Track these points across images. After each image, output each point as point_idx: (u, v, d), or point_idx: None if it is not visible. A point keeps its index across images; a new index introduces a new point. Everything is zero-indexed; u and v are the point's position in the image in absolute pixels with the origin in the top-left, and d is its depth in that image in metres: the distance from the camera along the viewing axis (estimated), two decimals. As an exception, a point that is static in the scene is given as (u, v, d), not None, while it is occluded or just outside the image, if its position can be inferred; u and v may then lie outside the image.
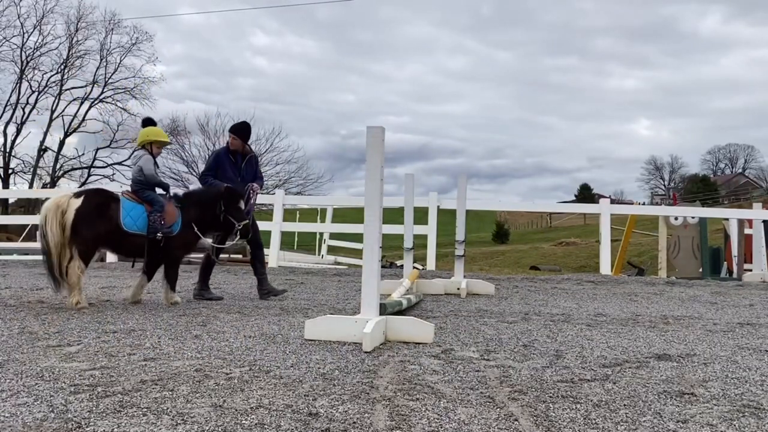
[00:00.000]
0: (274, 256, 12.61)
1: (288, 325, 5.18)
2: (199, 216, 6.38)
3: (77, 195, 6.07)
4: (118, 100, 40.85)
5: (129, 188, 6.55)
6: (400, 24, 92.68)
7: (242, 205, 6.58)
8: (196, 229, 6.32)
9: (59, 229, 5.82)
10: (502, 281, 9.84)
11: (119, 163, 41.73)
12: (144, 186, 6.30)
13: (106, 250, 6.56)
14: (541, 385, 3.42)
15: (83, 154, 41.59)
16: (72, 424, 2.60)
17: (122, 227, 6.00)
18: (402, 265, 9.69)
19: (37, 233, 6.22)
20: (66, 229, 5.83)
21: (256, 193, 7.23)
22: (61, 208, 5.86)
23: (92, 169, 41.71)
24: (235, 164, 7.17)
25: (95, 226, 5.92)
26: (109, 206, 6.06)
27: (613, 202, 23.55)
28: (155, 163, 6.47)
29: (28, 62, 38.55)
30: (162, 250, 6.23)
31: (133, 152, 6.63)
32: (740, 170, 75.68)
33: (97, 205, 5.99)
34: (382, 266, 5.90)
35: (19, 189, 39.48)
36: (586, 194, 68.42)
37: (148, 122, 6.75)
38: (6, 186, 38.32)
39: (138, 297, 6.39)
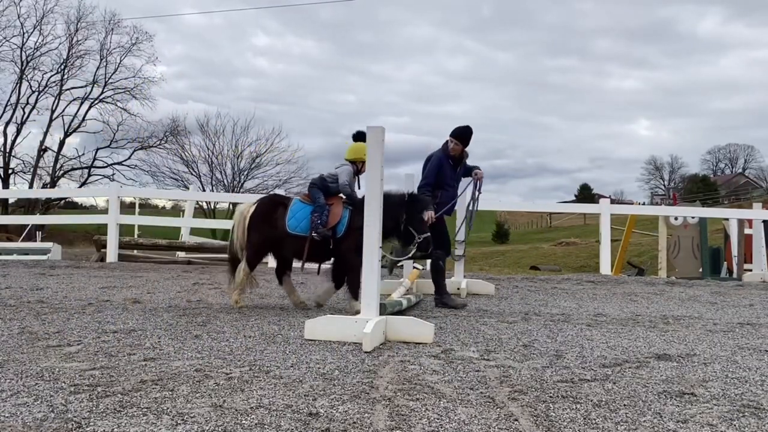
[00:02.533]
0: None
1: (288, 325, 5.18)
2: (383, 221, 6.16)
3: (255, 202, 6.37)
4: (118, 100, 40.84)
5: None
6: (400, 25, 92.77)
7: (425, 216, 6.22)
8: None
9: (241, 233, 6.20)
10: (502, 281, 9.84)
11: (119, 163, 41.75)
12: (315, 185, 6.23)
13: (273, 253, 6.52)
14: (541, 385, 3.42)
15: (83, 154, 41.62)
16: (72, 424, 2.60)
17: (286, 229, 6.05)
18: (402, 265, 9.69)
19: (230, 233, 6.50)
20: (245, 234, 6.18)
21: (481, 181, 7.13)
22: (243, 214, 6.25)
23: (92, 169, 41.72)
24: (453, 169, 7.01)
25: (261, 231, 6.09)
26: (276, 211, 6.15)
27: (613, 202, 23.56)
28: (357, 179, 6.35)
29: (28, 62, 38.55)
30: (334, 254, 6.14)
31: (342, 165, 6.43)
32: (740, 170, 75.70)
33: (267, 211, 6.16)
34: (382, 266, 5.89)
35: (19, 189, 39.51)
36: (586, 194, 68.42)
37: (360, 136, 6.37)
38: (6, 186, 38.32)
39: (324, 300, 6.37)
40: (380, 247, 6.04)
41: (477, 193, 7.17)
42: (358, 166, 6.35)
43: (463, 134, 7.03)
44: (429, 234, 6.20)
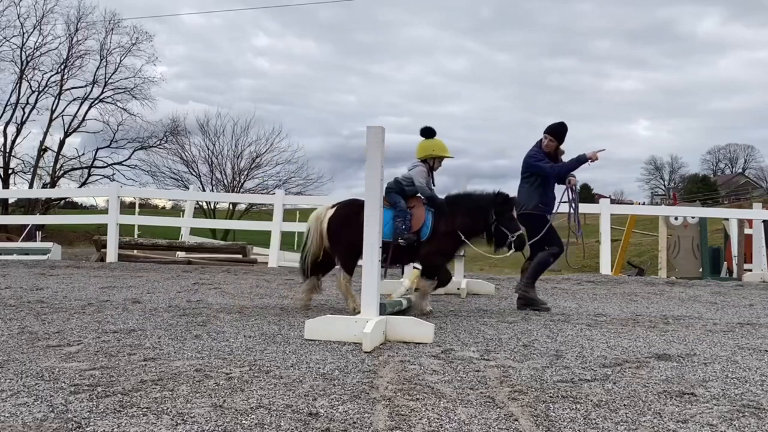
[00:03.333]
0: (274, 256, 12.61)
1: (288, 325, 5.18)
2: (466, 223, 6.04)
3: (333, 206, 6.26)
4: (118, 100, 40.86)
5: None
6: (400, 26, 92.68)
7: (515, 213, 6.19)
8: (462, 236, 6.01)
9: (317, 236, 6.11)
10: (502, 281, 9.85)
11: (119, 163, 41.78)
12: (392, 189, 6.13)
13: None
14: (541, 385, 3.42)
15: (83, 154, 41.64)
16: (72, 424, 2.60)
17: None
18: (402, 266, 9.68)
19: (304, 235, 6.36)
20: (323, 238, 6.07)
21: (577, 188, 6.97)
22: (320, 218, 6.15)
23: (92, 169, 41.73)
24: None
25: (345, 235, 5.94)
26: (358, 215, 5.86)
27: (613, 202, 23.55)
28: (432, 177, 6.27)
29: (28, 62, 38.57)
30: (417, 257, 6.08)
31: (414, 166, 6.30)
32: (740, 170, 75.70)
33: (347, 215, 6.02)
34: (382, 266, 5.88)
35: (19, 189, 39.52)
36: (585, 194, 68.35)
37: (428, 132, 6.35)
38: (6, 186, 38.33)
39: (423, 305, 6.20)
40: (471, 246, 6.09)
41: (573, 200, 6.96)
42: (431, 164, 6.26)
43: (557, 130, 6.88)
44: (522, 231, 6.16)
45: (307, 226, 6.28)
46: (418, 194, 6.20)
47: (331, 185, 49.26)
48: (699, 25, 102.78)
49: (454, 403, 3.03)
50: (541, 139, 6.94)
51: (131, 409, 2.81)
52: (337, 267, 6.19)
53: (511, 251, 6.22)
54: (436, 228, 6.00)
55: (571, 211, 7.10)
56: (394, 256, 6.00)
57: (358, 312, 5.76)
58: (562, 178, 6.84)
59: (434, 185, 6.34)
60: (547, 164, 6.76)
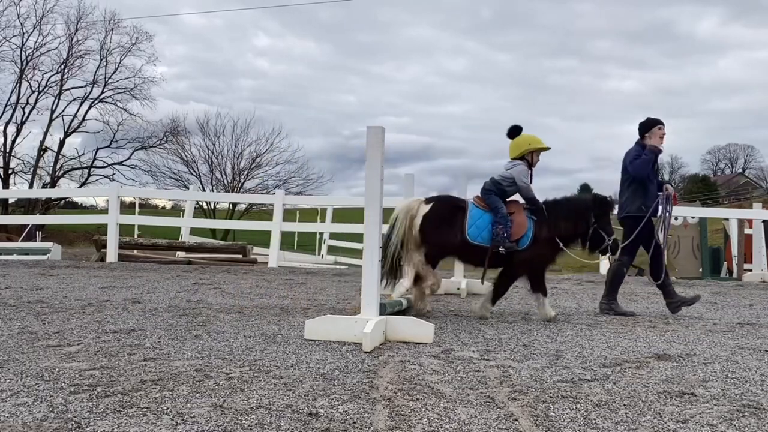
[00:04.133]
0: (274, 256, 12.61)
1: (288, 325, 5.18)
2: (567, 229, 5.89)
3: (427, 201, 5.98)
4: (118, 100, 40.85)
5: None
6: (400, 26, 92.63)
7: (667, 192, 6.10)
8: (560, 243, 5.85)
9: (407, 233, 5.83)
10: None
11: (119, 163, 41.77)
12: (490, 191, 5.92)
13: (453, 258, 6.22)
14: (541, 385, 3.42)
15: (83, 154, 41.64)
16: (72, 424, 2.60)
17: (467, 237, 5.74)
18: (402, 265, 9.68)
19: (386, 231, 5.99)
20: (413, 233, 5.81)
21: (671, 198, 6.70)
22: (411, 212, 5.87)
23: (92, 169, 41.72)
24: (653, 164, 6.61)
25: (440, 234, 5.78)
26: (455, 215, 5.83)
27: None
28: (531, 175, 6.04)
29: (28, 62, 38.56)
30: (513, 264, 5.84)
31: (513, 165, 6.04)
32: (740, 170, 75.70)
33: (444, 213, 5.83)
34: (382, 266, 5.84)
35: (19, 189, 39.51)
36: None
37: (516, 130, 6.13)
38: (6, 186, 38.31)
39: (551, 315, 5.92)
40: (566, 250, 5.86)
41: (667, 211, 6.76)
42: (529, 160, 6.05)
43: (656, 121, 6.62)
44: (615, 236, 6.01)
45: (392, 219, 5.97)
46: (521, 195, 5.96)
47: (331, 185, 49.33)
48: (698, 25, 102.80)
49: (454, 403, 3.03)
50: (642, 138, 6.67)
51: (131, 409, 2.81)
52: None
53: (607, 255, 6.10)
54: (536, 236, 5.79)
55: (663, 220, 6.84)
56: (491, 262, 5.78)
57: (423, 314, 5.67)
58: (643, 174, 6.50)
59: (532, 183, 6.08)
60: (633, 163, 6.52)
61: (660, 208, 6.66)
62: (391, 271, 5.92)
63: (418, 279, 5.91)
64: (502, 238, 5.70)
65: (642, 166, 6.48)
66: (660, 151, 6.65)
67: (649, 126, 6.66)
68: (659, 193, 6.64)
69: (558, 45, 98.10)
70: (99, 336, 4.51)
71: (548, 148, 6.17)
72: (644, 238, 6.55)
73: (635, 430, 2.73)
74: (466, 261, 6.13)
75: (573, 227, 5.90)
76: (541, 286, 5.87)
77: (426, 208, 5.86)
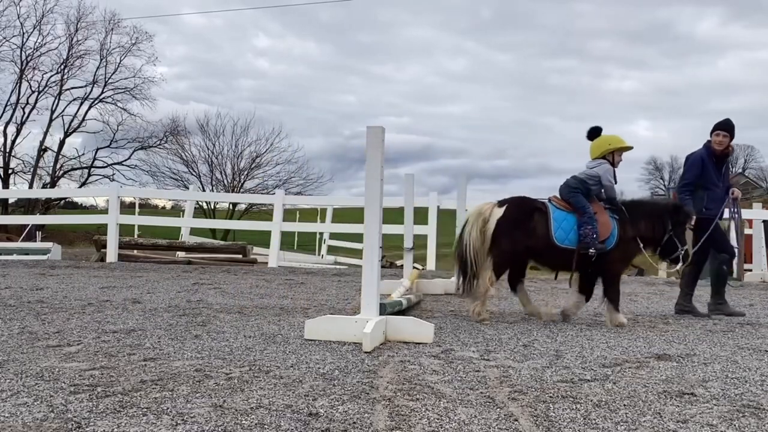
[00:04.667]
0: (274, 256, 12.61)
1: (288, 325, 5.18)
2: (646, 230, 5.78)
3: (500, 204, 5.81)
4: (118, 100, 40.83)
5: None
6: (400, 26, 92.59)
7: (689, 219, 5.95)
8: (641, 244, 5.77)
9: (479, 237, 5.66)
10: (502, 281, 9.83)
11: (119, 163, 41.75)
12: (576, 190, 5.77)
13: (532, 262, 5.95)
14: (541, 385, 3.42)
15: (83, 154, 41.62)
16: (72, 424, 2.60)
17: (553, 241, 5.59)
18: (402, 265, 9.69)
19: (457, 237, 5.88)
20: (486, 239, 5.66)
21: (738, 201, 6.59)
22: (483, 216, 5.70)
23: (92, 169, 41.72)
24: (717, 168, 6.56)
25: (516, 238, 5.62)
26: (532, 217, 5.68)
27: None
28: (615, 174, 5.93)
29: (28, 62, 38.53)
30: (596, 266, 5.73)
31: (599, 163, 5.93)
32: (740, 170, 75.65)
33: (521, 216, 5.67)
34: (382, 266, 5.80)
35: (19, 189, 39.50)
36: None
37: (596, 132, 6.05)
38: (6, 186, 38.30)
39: (573, 313, 5.94)
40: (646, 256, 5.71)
41: (735, 214, 6.70)
42: (610, 160, 5.93)
43: (729, 125, 6.58)
44: (688, 247, 5.92)
45: (462, 225, 5.84)
46: (605, 195, 5.86)
47: (331, 185, 49.28)
48: (698, 25, 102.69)
49: (454, 403, 3.03)
50: (708, 141, 6.63)
51: (131, 409, 2.81)
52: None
53: (679, 264, 5.96)
54: (621, 237, 5.69)
55: (733, 223, 6.80)
56: (570, 263, 5.67)
57: (482, 319, 5.57)
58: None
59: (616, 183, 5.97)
60: (684, 181, 6.57)
61: (727, 210, 6.61)
62: (467, 277, 5.72)
63: (518, 282, 5.90)
64: (591, 239, 5.56)
65: (688, 171, 6.56)
66: (722, 153, 6.59)
67: (712, 130, 6.68)
68: (726, 196, 6.58)
69: (558, 45, 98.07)
70: (99, 336, 4.51)
71: (630, 148, 6.08)
72: (718, 237, 6.48)
73: (635, 430, 2.73)
74: (548, 265, 5.94)
75: (651, 230, 5.80)
76: (612, 288, 5.76)
77: (499, 211, 5.70)
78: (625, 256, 5.85)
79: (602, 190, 5.88)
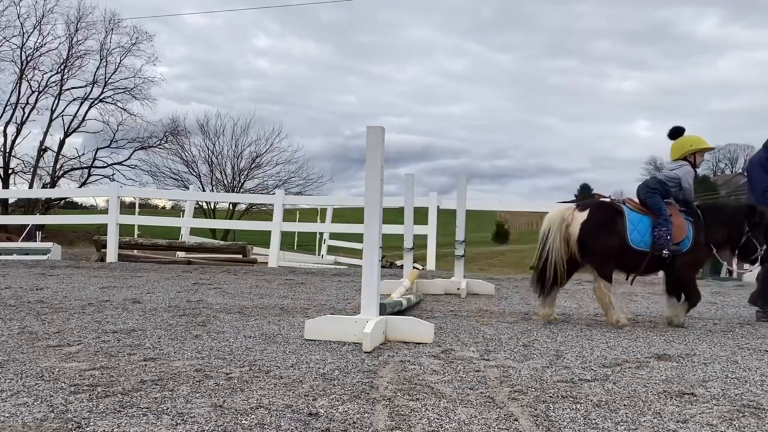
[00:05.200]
0: (274, 256, 12.61)
1: (288, 325, 5.18)
2: (721, 233, 5.73)
3: (582, 208, 5.80)
4: (118, 100, 40.81)
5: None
6: (400, 26, 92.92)
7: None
8: (714, 248, 5.72)
9: (562, 243, 5.62)
10: (502, 281, 9.84)
11: (119, 163, 41.73)
12: (655, 191, 5.73)
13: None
14: (541, 385, 3.42)
15: (83, 154, 41.60)
16: (72, 424, 2.60)
17: (629, 243, 5.55)
18: (402, 265, 9.69)
19: (539, 243, 5.79)
20: (570, 244, 5.62)
21: None
22: (565, 221, 5.66)
23: (92, 169, 41.71)
24: None
25: (602, 241, 5.58)
26: (614, 219, 5.65)
27: (613, 202, 23.53)
28: (696, 176, 5.87)
29: (28, 62, 38.49)
30: (669, 269, 5.69)
31: (679, 165, 5.83)
32: (740, 170, 75.63)
33: (603, 219, 5.64)
34: (382, 266, 5.78)
35: (19, 189, 39.49)
36: (585, 194, 68.46)
37: (678, 132, 5.93)
38: (6, 186, 38.28)
39: (677, 316, 5.78)
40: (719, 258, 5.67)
41: None
42: (691, 162, 5.85)
43: None
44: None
45: (544, 230, 5.75)
46: (683, 198, 5.80)
47: (331, 185, 49.31)
48: (698, 26, 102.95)
49: (454, 403, 3.03)
50: (766, 141, 6.53)
51: (131, 409, 2.81)
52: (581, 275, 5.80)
53: (756, 265, 5.93)
54: (696, 239, 5.63)
55: None
56: (646, 267, 5.65)
57: (624, 324, 5.48)
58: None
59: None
60: (766, 185, 6.38)
61: None
62: (547, 284, 5.69)
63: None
64: (665, 241, 5.52)
65: (761, 176, 6.40)
66: None
67: None
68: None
69: (558, 45, 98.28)
70: (99, 336, 4.51)
71: (712, 148, 6.03)
72: None
73: (635, 430, 2.73)
74: (622, 267, 5.85)
75: (727, 233, 5.76)
76: (690, 291, 5.71)
77: (582, 215, 5.66)
78: (699, 260, 5.81)
79: (680, 192, 5.82)
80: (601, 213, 5.69)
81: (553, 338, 4.89)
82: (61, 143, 40.67)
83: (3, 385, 3.15)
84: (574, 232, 5.61)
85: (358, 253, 19.52)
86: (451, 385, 3.36)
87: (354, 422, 2.71)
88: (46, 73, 39.13)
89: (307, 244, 26.79)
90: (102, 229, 16.63)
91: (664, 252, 5.51)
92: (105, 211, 14.56)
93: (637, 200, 5.83)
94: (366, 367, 3.72)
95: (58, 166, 40.59)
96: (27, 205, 36.59)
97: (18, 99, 38.63)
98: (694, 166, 5.88)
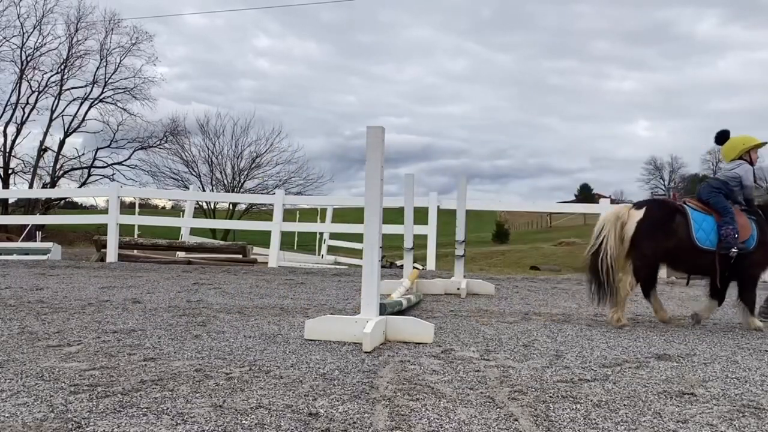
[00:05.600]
0: (274, 256, 12.61)
1: (288, 325, 5.18)
2: None
3: (638, 206, 5.72)
4: (118, 100, 40.81)
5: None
6: (400, 27, 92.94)
7: None
8: None
9: (617, 242, 5.53)
10: (502, 281, 9.84)
11: (119, 163, 41.72)
12: (718, 190, 5.68)
13: (668, 266, 5.81)
14: (541, 385, 3.42)
15: (83, 154, 41.60)
16: (72, 424, 2.60)
17: (695, 242, 5.46)
18: (402, 265, 9.69)
19: (592, 243, 5.68)
20: (625, 242, 5.53)
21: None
22: (621, 219, 5.58)
23: (92, 169, 41.71)
24: None
25: (658, 240, 5.50)
26: (674, 219, 5.55)
27: (613, 202, 23.57)
28: (754, 173, 5.82)
29: (28, 62, 38.48)
30: (733, 268, 5.61)
31: (738, 164, 5.75)
32: (740, 170, 75.66)
33: (661, 218, 5.55)
34: (382, 266, 5.77)
35: (19, 189, 39.49)
36: (586, 194, 68.55)
37: (724, 135, 5.93)
38: (6, 186, 38.27)
39: (705, 318, 5.81)
40: None
41: None
42: (748, 160, 5.81)
43: None
44: None
45: (597, 229, 5.68)
46: (744, 197, 5.74)
47: (332, 185, 49.33)
48: (698, 26, 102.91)
49: (454, 403, 3.03)
50: None
51: (131, 409, 2.81)
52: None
53: None
54: (761, 238, 5.57)
55: None
56: (708, 266, 5.55)
57: (622, 325, 5.46)
58: None
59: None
60: None
61: None
62: (602, 284, 5.60)
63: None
64: (733, 239, 5.45)
65: None
66: None
67: None
68: None
69: (558, 45, 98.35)
70: (99, 336, 4.51)
71: (765, 143, 5.99)
72: None
73: (635, 430, 2.73)
74: (684, 268, 5.83)
75: None
76: (749, 292, 5.66)
77: (638, 213, 5.59)
78: (765, 259, 5.73)
79: (742, 191, 5.78)
80: (657, 212, 5.61)
81: (553, 338, 4.89)
82: (61, 143, 40.68)
83: (3, 385, 3.15)
84: (629, 230, 5.53)
85: (358, 253, 19.52)
86: (451, 385, 3.36)
87: (354, 422, 2.71)
88: (46, 73, 39.14)
89: (307, 244, 26.79)
90: (102, 229, 16.62)
91: (732, 250, 5.44)
92: (105, 211, 14.56)
93: (696, 201, 5.77)
94: (366, 367, 3.72)
95: (58, 166, 40.59)
96: (27, 205, 36.59)
97: (18, 99, 38.63)
98: (752, 163, 5.85)
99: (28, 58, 38.50)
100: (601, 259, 5.55)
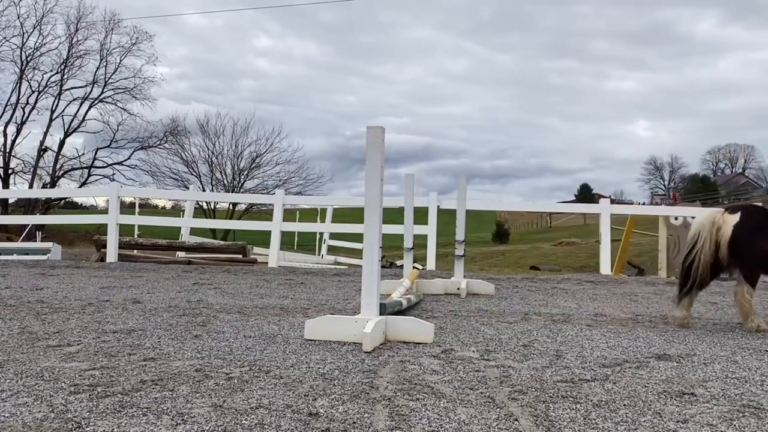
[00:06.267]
0: (274, 256, 12.61)
1: (288, 325, 5.18)
2: None
3: (732, 210, 5.61)
4: (118, 100, 40.83)
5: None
6: (400, 27, 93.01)
7: None
8: None
9: (712, 247, 5.44)
10: (502, 281, 9.84)
11: (119, 163, 41.75)
12: None
13: (765, 272, 5.59)
14: (541, 385, 3.42)
15: (83, 154, 41.63)
16: (72, 424, 2.60)
17: None
18: (402, 265, 9.69)
19: (689, 248, 5.59)
20: (721, 247, 5.42)
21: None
22: (716, 224, 5.47)
23: (92, 169, 41.72)
24: None
25: (756, 244, 5.35)
26: None
27: (613, 202, 23.57)
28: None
29: (28, 62, 38.52)
30: None
31: None
32: (740, 170, 75.71)
33: (759, 222, 5.42)
34: (382, 266, 5.77)
35: (19, 189, 39.50)
36: (586, 194, 68.55)
37: None
38: (6, 186, 38.29)
39: None
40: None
41: None
42: None
43: None
44: None
45: (693, 234, 5.60)
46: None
47: (332, 185, 49.33)
48: (697, 26, 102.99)
49: (454, 403, 3.03)
50: None
51: (131, 409, 2.81)
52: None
53: None
54: None
55: None
56: None
57: (765, 330, 5.33)
58: None
59: None
60: None
61: None
62: (689, 287, 5.56)
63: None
64: None
65: None
66: None
67: None
68: None
69: (558, 46, 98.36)
70: (99, 336, 4.51)
71: None
72: None
73: (635, 430, 2.73)
74: None
75: None
76: None
77: (734, 217, 5.47)
78: None
79: None
80: (755, 216, 5.51)
81: (553, 338, 4.89)
82: (61, 143, 40.71)
83: (3, 385, 3.15)
84: (725, 234, 5.42)
85: (358, 253, 19.52)
86: (451, 385, 3.36)
87: (354, 422, 2.71)
88: (46, 73, 39.19)
89: (307, 244, 26.79)
90: (102, 229, 16.63)
91: None
92: (105, 211, 14.56)
93: None
94: (366, 367, 3.72)
95: (58, 166, 40.61)
96: (27, 205, 36.61)
97: (18, 99, 38.67)
98: None
99: (28, 58, 38.56)
100: (694, 263, 5.48)
